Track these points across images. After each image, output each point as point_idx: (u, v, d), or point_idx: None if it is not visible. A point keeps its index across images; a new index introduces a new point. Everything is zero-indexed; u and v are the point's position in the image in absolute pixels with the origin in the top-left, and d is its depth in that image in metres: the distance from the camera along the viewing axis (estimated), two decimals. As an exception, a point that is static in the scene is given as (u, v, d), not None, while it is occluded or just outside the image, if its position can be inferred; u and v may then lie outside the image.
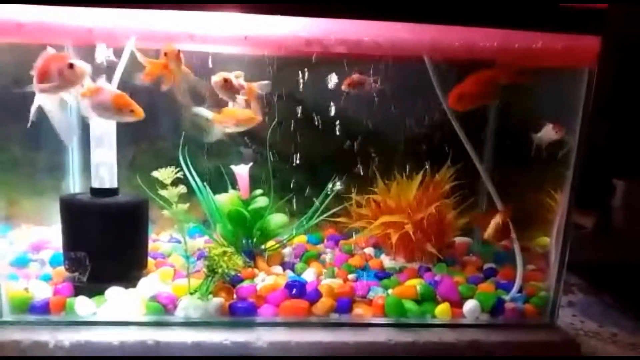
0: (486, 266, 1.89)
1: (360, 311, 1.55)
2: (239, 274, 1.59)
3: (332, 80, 1.64)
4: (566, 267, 1.61)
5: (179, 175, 1.53)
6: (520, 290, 1.68)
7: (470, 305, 1.58)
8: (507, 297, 1.64)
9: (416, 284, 1.63)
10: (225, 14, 1.38)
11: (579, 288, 2.06)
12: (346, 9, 1.32)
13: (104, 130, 1.58)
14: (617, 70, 2.06)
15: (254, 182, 1.88)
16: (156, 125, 1.97)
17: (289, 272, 1.75)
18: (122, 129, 1.61)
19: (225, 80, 1.46)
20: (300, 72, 1.67)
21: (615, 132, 2.20)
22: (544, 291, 1.67)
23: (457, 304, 1.59)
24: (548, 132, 1.61)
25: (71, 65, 1.32)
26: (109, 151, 1.59)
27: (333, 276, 1.71)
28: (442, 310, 1.57)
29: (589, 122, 1.53)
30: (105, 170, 1.59)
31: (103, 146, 1.58)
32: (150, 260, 1.72)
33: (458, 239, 2.06)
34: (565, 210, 1.59)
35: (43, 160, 1.91)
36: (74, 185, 1.95)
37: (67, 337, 1.38)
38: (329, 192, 1.86)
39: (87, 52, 1.43)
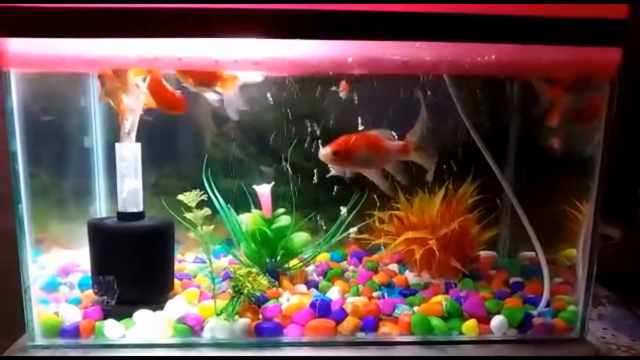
0: (512, 280, 1.86)
1: (386, 329, 1.55)
2: (264, 294, 1.60)
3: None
4: (595, 279, 1.59)
5: (203, 196, 1.55)
6: (548, 305, 1.65)
7: (497, 321, 1.56)
8: (534, 312, 1.62)
9: (442, 301, 1.62)
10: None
11: (609, 300, 2.02)
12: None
13: (130, 154, 1.61)
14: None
15: (276, 200, 1.90)
16: (179, 148, 2.01)
17: (314, 291, 1.75)
18: (146, 152, 1.65)
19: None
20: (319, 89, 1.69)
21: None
22: (573, 305, 1.64)
23: (484, 319, 1.57)
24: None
25: None
26: (135, 175, 1.62)
27: (358, 294, 1.71)
28: (469, 327, 1.55)
29: (612, 132, 1.51)
30: (131, 194, 1.62)
31: (129, 170, 1.61)
32: (176, 281, 1.74)
33: (483, 253, 2.05)
34: (591, 222, 1.57)
35: (71, 185, 1.95)
36: (101, 209, 1.99)
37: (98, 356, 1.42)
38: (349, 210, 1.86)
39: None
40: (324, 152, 1.58)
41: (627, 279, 2.07)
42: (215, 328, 1.50)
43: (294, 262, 1.90)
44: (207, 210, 1.54)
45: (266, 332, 1.50)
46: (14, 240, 1.46)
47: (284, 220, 1.87)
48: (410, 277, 1.90)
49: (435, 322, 1.55)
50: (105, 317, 1.54)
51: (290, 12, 1.32)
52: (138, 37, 1.36)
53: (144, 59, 1.42)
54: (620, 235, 2.16)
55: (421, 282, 1.83)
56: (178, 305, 1.58)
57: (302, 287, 1.78)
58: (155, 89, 1.58)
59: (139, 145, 1.63)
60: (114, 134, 1.67)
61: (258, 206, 1.90)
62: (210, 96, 1.61)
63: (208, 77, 1.56)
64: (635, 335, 1.74)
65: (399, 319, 1.57)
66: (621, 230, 2.17)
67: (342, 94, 1.63)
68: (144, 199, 1.65)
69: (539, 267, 1.66)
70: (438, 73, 1.56)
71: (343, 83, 1.62)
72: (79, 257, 1.86)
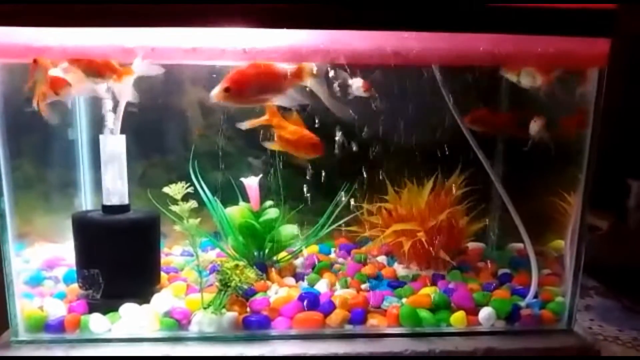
0: (501, 272, 1.86)
1: (374, 322, 1.54)
2: (251, 287, 1.58)
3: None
4: (582, 271, 1.59)
5: (190, 189, 1.53)
6: (536, 296, 1.66)
7: (485, 312, 1.56)
8: (522, 303, 1.62)
9: (430, 293, 1.62)
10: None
11: (597, 291, 2.03)
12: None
13: (114, 147, 1.59)
14: (630, 69, 2.04)
15: (264, 193, 1.88)
16: (166, 139, 1.99)
17: (302, 284, 1.75)
18: (131, 144, 1.62)
19: None
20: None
21: (630, 131, 2.17)
22: (560, 296, 1.65)
23: (472, 311, 1.57)
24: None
25: None
26: (120, 168, 1.60)
27: (346, 286, 1.70)
28: (457, 319, 1.55)
29: (600, 122, 1.51)
30: (116, 187, 1.60)
31: (113, 163, 1.59)
32: (163, 274, 1.73)
33: (471, 245, 2.05)
34: (579, 213, 1.58)
35: (55, 178, 1.92)
36: (86, 202, 1.96)
37: (82, 355, 1.40)
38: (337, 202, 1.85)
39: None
40: (215, 91, 1.40)
41: (615, 270, 2.09)
42: (203, 321, 1.48)
43: (282, 254, 1.89)
44: (193, 203, 1.52)
45: (254, 325, 1.49)
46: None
47: (272, 212, 1.85)
48: (399, 268, 1.90)
49: (424, 314, 1.55)
50: (90, 311, 1.52)
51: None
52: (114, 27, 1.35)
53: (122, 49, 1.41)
54: (608, 226, 2.18)
55: (410, 274, 1.83)
56: (165, 299, 1.56)
57: (290, 280, 1.77)
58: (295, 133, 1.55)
59: (123, 137, 1.60)
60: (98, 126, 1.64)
61: (246, 199, 1.88)
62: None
63: (102, 68, 1.49)
64: (622, 326, 1.75)
65: (387, 311, 1.56)
66: (609, 221, 2.19)
67: (364, 94, 1.58)
68: (129, 191, 1.63)
69: (527, 258, 1.67)
70: (427, 63, 1.54)
71: (363, 82, 1.57)
72: (64, 250, 1.84)
